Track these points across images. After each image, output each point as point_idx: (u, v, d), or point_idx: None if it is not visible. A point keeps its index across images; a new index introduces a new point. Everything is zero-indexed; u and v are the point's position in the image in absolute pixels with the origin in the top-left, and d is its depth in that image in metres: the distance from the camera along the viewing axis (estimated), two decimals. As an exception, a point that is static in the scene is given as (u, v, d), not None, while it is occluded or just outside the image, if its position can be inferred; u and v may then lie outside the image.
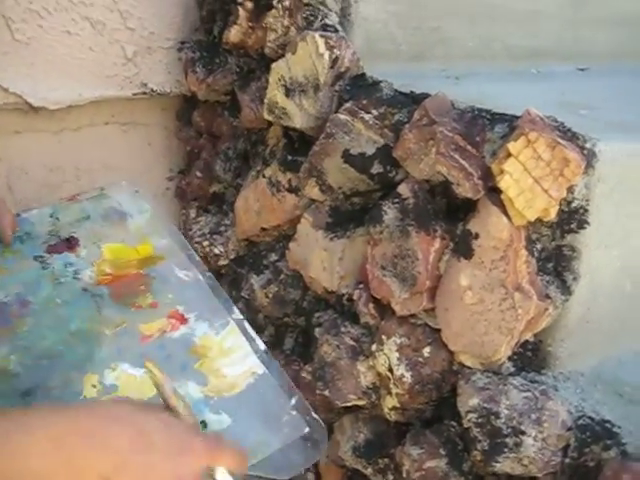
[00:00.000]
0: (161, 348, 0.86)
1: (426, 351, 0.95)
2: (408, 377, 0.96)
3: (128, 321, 0.89)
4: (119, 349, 0.85)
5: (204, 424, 0.79)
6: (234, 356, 0.87)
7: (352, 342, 1.05)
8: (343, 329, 1.06)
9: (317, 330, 1.09)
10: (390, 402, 0.99)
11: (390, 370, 0.98)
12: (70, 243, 0.98)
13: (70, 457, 0.61)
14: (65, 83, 1.33)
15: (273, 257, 1.23)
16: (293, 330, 1.23)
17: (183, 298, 0.93)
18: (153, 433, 0.65)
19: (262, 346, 0.89)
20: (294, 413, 0.82)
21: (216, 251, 1.34)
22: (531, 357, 0.90)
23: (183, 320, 0.91)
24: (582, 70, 1.41)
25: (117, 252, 0.99)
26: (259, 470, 0.77)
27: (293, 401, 0.84)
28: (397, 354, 0.96)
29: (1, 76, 1.26)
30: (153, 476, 0.65)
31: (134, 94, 1.43)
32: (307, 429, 0.81)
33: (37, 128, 1.40)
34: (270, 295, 1.20)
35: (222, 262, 1.35)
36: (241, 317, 0.92)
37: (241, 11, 1.22)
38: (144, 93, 1.44)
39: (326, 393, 1.07)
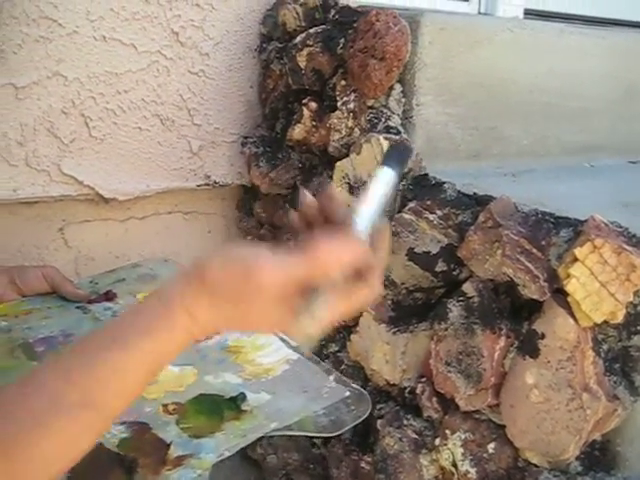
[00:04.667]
0: (197, 351, 0.93)
1: (491, 447, 0.96)
2: (473, 473, 0.96)
3: None
4: None
5: (243, 396, 0.85)
6: (267, 349, 0.95)
7: (415, 435, 1.06)
8: (405, 422, 1.08)
9: (379, 422, 1.11)
10: (454, 497, 1.00)
11: (454, 465, 0.99)
12: (108, 296, 1.08)
13: None
14: (134, 176, 1.41)
15: (333, 347, 1.26)
16: (352, 419, 1.24)
17: None
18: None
19: (294, 343, 0.95)
20: (334, 384, 0.88)
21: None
22: (599, 457, 0.90)
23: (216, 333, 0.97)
24: (633, 163, 1.45)
25: None
26: (306, 430, 0.82)
27: (332, 377, 0.90)
28: (462, 449, 0.98)
29: (77, 170, 1.33)
30: None
31: (198, 185, 1.49)
32: (347, 393, 0.86)
33: (105, 217, 1.46)
34: (330, 385, 1.22)
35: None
36: None
37: (305, 111, 1.28)
38: (207, 184, 1.50)
39: (388, 486, 1.08)
